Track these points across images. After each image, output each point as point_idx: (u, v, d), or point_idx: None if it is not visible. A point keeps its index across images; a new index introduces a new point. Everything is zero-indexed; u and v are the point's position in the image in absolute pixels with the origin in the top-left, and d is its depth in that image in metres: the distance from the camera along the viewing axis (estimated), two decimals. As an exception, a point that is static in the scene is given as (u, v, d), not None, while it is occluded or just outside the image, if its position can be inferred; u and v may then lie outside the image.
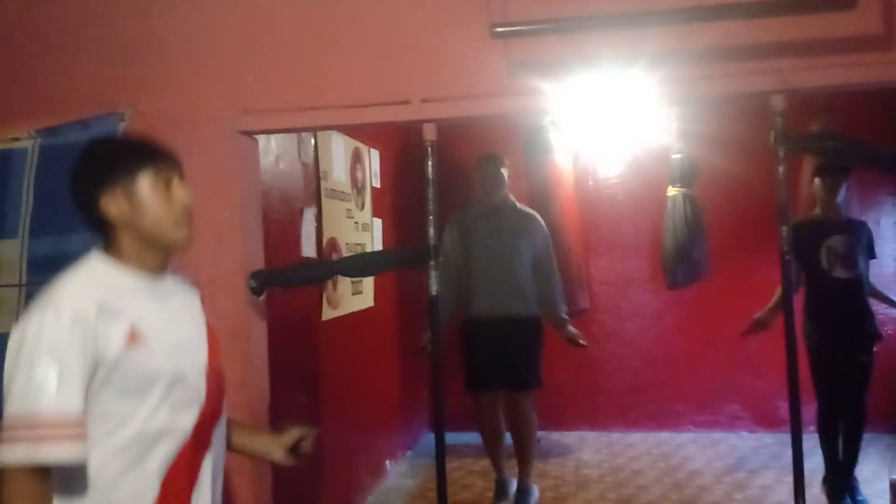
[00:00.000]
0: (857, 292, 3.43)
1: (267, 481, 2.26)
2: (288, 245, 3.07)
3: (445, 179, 4.71)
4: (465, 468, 4.36)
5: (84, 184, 1.36)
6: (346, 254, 3.65)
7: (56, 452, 1.19)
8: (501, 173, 3.68)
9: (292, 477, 2.93)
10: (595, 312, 4.91)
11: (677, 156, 4.45)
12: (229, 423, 1.59)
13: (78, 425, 1.21)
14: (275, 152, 2.99)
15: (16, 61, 2.27)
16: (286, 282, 2.20)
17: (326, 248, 3.44)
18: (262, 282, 2.11)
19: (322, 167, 3.45)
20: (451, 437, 4.79)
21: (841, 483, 3.45)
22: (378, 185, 4.34)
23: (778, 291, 3.50)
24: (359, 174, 4.00)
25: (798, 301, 3.53)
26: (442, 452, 2.16)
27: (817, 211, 3.53)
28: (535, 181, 4.39)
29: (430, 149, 2.15)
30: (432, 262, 2.14)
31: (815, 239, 3.43)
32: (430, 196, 2.17)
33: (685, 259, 4.48)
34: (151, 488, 1.29)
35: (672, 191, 4.50)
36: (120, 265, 1.34)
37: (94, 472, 1.25)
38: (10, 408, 1.21)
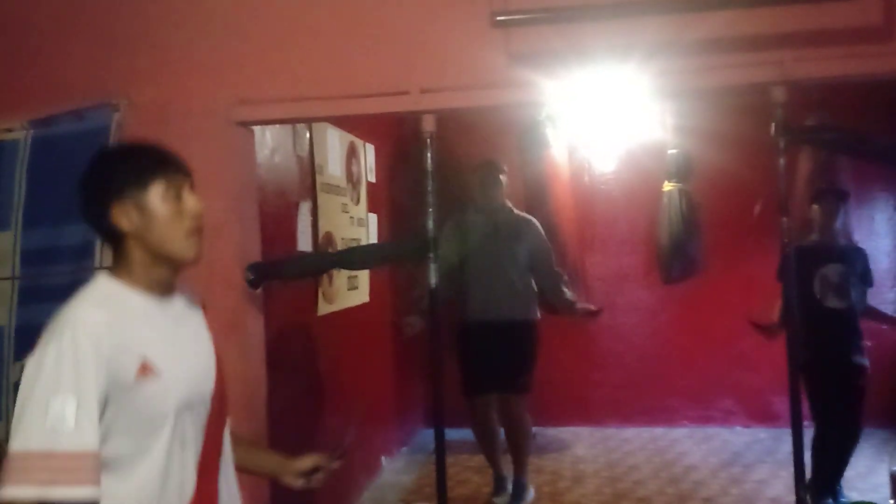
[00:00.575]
0: (848, 323, 3.38)
1: (265, 480, 2.23)
2: (284, 239, 3.04)
3: (441, 174, 4.71)
4: (461, 464, 4.35)
5: (95, 195, 1.30)
6: (341, 248, 3.62)
7: (71, 493, 1.13)
8: (499, 179, 3.69)
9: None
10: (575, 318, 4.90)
11: (673, 151, 4.46)
12: (234, 438, 1.54)
13: (94, 464, 1.16)
14: (270, 145, 2.96)
15: (8, 52, 2.24)
16: (283, 274, 2.18)
17: (322, 242, 3.42)
18: (260, 274, 2.08)
19: (317, 161, 3.43)
20: (448, 433, 4.80)
21: (825, 489, 3.45)
22: (373, 180, 4.32)
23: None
24: (354, 169, 3.97)
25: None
26: (442, 447, 2.15)
27: (814, 236, 3.46)
28: (531, 177, 4.38)
29: (429, 140, 2.13)
30: (431, 255, 2.13)
31: (809, 266, 3.35)
32: (430, 188, 2.15)
33: (681, 254, 4.49)
34: None
35: (668, 186, 4.51)
36: (128, 286, 1.29)
37: None
38: (22, 442, 1.14)
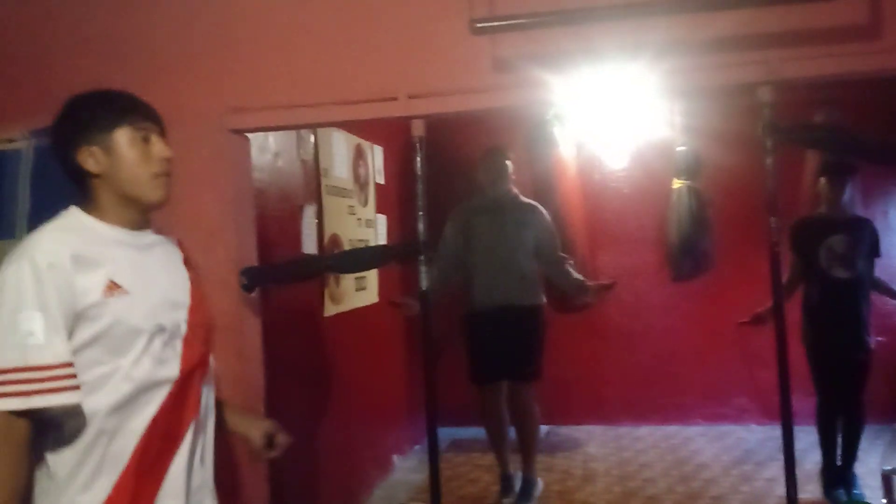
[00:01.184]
0: (855, 293, 3.39)
1: (262, 474, 2.29)
2: (287, 242, 3.10)
3: (451, 173, 4.74)
4: (471, 462, 4.38)
5: (63, 137, 1.36)
6: (348, 249, 3.68)
7: (52, 399, 1.20)
8: (505, 166, 3.68)
9: (294, 472, 2.98)
10: (601, 306, 4.87)
11: (682, 148, 4.43)
12: (223, 405, 1.59)
13: (70, 372, 1.22)
14: (273, 150, 3.02)
15: (8, 63, 2.31)
16: (277, 278, 2.23)
17: (328, 244, 3.47)
18: (253, 278, 2.14)
19: (323, 164, 3.48)
20: (458, 432, 4.88)
21: (837, 477, 3.44)
22: (382, 182, 4.36)
23: (786, 277, 3.51)
24: (361, 171, 4.02)
25: (798, 300, 3.51)
26: (435, 448, 2.18)
27: (822, 209, 3.50)
28: (538, 174, 4.39)
29: (418, 145, 2.16)
30: (422, 258, 2.16)
31: (815, 238, 3.41)
32: (420, 192, 2.18)
33: (691, 252, 4.47)
34: (131, 445, 1.29)
35: (677, 183, 4.49)
36: (98, 219, 1.34)
37: (81, 425, 1.25)
38: None
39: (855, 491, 3.43)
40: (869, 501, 2.68)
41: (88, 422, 1.26)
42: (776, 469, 4.03)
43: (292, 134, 3.18)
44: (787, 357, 2.04)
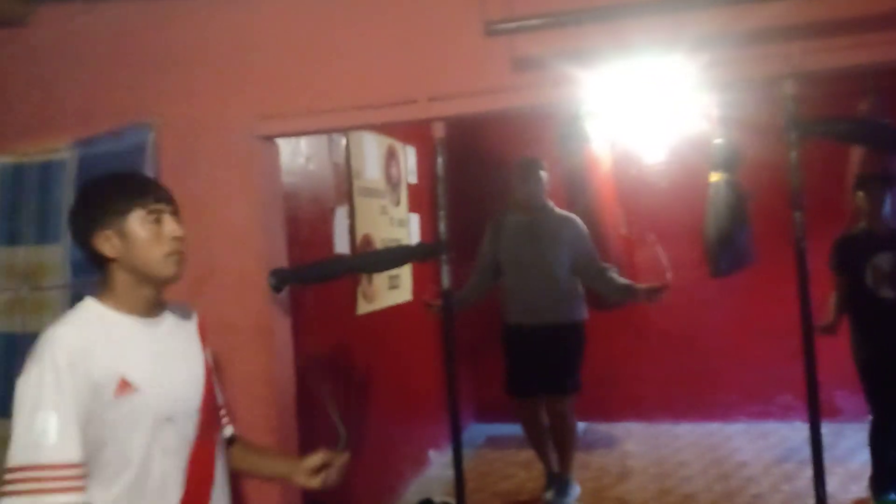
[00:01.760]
0: None
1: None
2: (320, 243, 3.17)
3: (483, 171, 4.75)
4: (506, 459, 4.41)
5: (80, 223, 1.42)
6: (380, 248, 3.74)
7: (58, 500, 1.24)
8: (540, 177, 3.68)
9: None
10: (639, 303, 4.84)
11: (719, 141, 4.34)
12: (243, 445, 1.65)
13: (78, 473, 1.26)
14: (305, 154, 3.10)
15: (53, 76, 2.43)
16: (304, 279, 2.29)
17: (360, 244, 3.54)
18: (282, 279, 2.20)
19: (354, 166, 3.55)
20: (493, 429, 4.90)
21: (888, 482, 3.34)
22: (415, 181, 4.41)
23: (833, 296, 3.42)
24: (393, 171, 4.08)
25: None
26: (458, 448, 2.21)
27: (862, 224, 3.38)
28: (571, 171, 4.37)
29: (438, 146, 2.19)
30: (444, 257, 2.19)
31: (860, 255, 3.30)
32: (441, 192, 2.22)
33: (729, 247, 4.36)
34: None
35: (714, 177, 4.39)
36: (114, 308, 1.39)
37: None
38: (13, 457, 1.26)
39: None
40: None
41: None
42: (819, 468, 3.94)
43: (324, 137, 3.26)
44: (814, 356, 2.01)
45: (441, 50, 2.13)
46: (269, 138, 2.35)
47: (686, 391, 4.92)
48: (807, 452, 4.15)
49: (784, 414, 4.79)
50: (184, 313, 1.54)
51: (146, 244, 1.38)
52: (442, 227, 2.20)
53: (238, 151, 2.30)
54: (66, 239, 2.34)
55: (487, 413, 5.12)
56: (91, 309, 1.40)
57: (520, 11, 1.99)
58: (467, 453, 4.51)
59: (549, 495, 3.73)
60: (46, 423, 1.25)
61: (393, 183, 4.05)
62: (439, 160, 2.21)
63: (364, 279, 3.56)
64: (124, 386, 1.32)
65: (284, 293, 2.32)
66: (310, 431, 2.49)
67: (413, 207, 4.33)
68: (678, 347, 4.93)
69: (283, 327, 2.36)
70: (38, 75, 2.44)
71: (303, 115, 2.26)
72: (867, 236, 3.33)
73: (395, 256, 2.39)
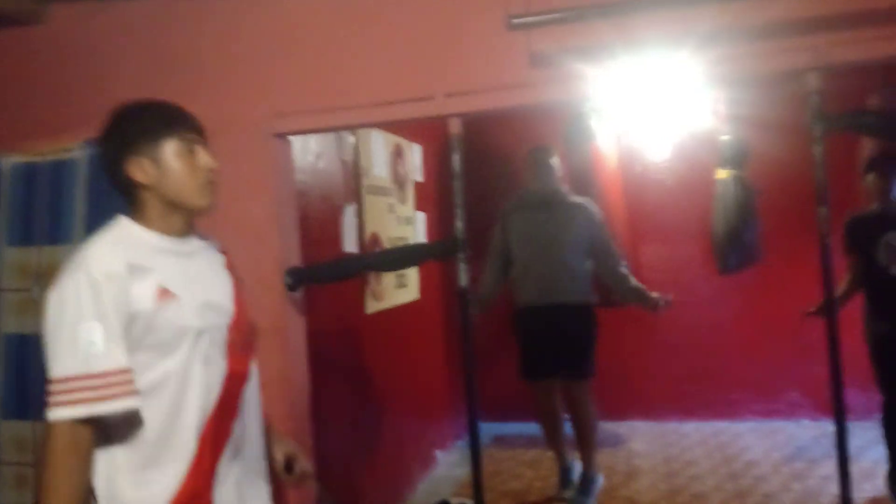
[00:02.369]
0: None
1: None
2: (329, 241, 3.14)
3: (488, 169, 4.72)
4: (515, 458, 4.38)
5: (111, 149, 1.40)
6: (388, 247, 3.71)
7: (114, 405, 1.26)
8: (551, 163, 3.67)
9: (338, 467, 3.02)
10: (645, 309, 4.83)
11: (726, 137, 4.32)
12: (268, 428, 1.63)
13: (128, 378, 1.28)
14: (314, 151, 3.06)
15: (67, 75, 2.40)
16: (319, 278, 2.26)
17: (368, 242, 3.51)
18: (297, 278, 2.18)
19: (362, 164, 3.52)
20: (503, 427, 4.88)
21: None
22: (421, 179, 4.38)
23: (846, 279, 3.44)
24: (400, 169, 4.05)
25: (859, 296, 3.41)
26: (476, 445, 2.19)
27: (874, 205, 3.39)
28: (576, 168, 4.35)
29: (455, 143, 2.17)
30: (461, 255, 2.17)
31: (872, 234, 3.32)
32: (457, 189, 2.19)
33: (737, 244, 4.35)
34: (190, 444, 1.34)
35: (722, 173, 4.38)
36: (145, 227, 1.39)
37: (139, 427, 1.32)
38: (60, 369, 1.26)
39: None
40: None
41: (146, 423, 1.32)
42: (830, 466, 3.92)
43: (332, 135, 3.22)
44: (838, 350, 1.99)
45: (460, 45, 2.11)
46: (285, 136, 2.32)
47: (693, 389, 4.90)
48: (816, 451, 4.18)
49: (791, 412, 4.78)
50: (211, 243, 1.54)
51: (181, 174, 1.38)
52: (459, 224, 2.17)
53: (254, 149, 2.27)
54: (80, 239, 2.31)
55: (495, 412, 5.10)
56: (122, 227, 1.39)
57: (537, 7, 1.97)
58: (475, 453, 4.49)
59: (569, 494, 3.68)
60: (91, 334, 1.25)
61: (400, 181, 4.02)
62: (455, 157, 2.19)
63: (373, 278, 3.53)
64: (163, 293, 1.32)
65: (299, 293, 2.29)
66: (324, 432, 2.47)
67: (419, 206, 4.30)
68: (685, 345, 4.91)
69: (297, 327, 2.34)
70: (51, 74, 2.41)
71: (319, 113, 2.23)
72: (879, 216, 3.35)
73: (411, 255, 2.37)
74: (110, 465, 1.32)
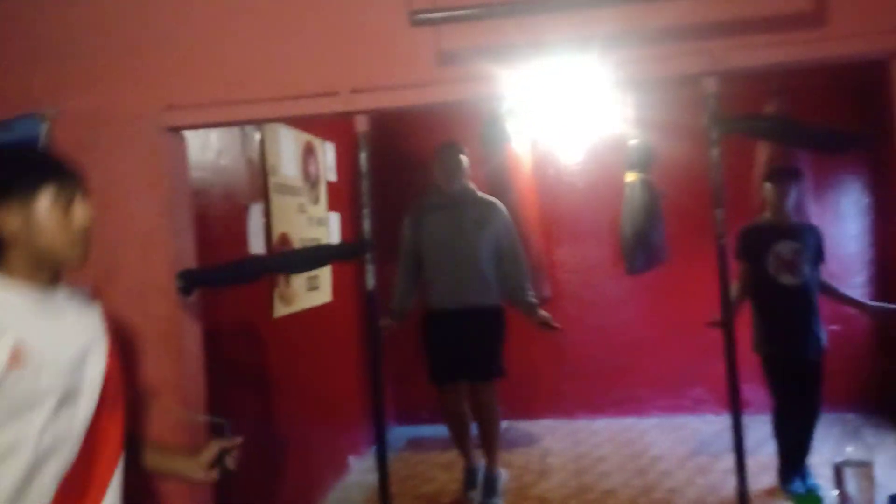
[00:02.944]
0: (803, 299, 3.41)
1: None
2: (232, 243, 3.01)
3: (404, 169, 4.67)
4: (429, 461, 4.34)
5: None
6: (298, 248, 3.59)
7: None
8: (460, 161, 3.62)
9: (244, 476, 2.88)
10: (558, 300, 4.89)
11: (634, 141, 4.44)
12: (143, 443, 1.53)
13: None
14: (215, 148, 2.92)
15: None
16: (214, 281, 2.14)
17: (277, 243, 3.38)
18: (191, 281, 2.05)
19: (270, 162, 3.39)
20: (416, 430, 4.83)
21: (793, 470, 3.49)
22: (335, 179, 4.28)
23: (735, 287, 3.51)
24: (311, 168, 3.93)
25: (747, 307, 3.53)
26: (383, 452, 2.13)
27: (767, 215, 3.52)
28: (492, 170, 4.36)
29: (363, 141, 2.10)
30: (368, 256, 2.10)
31: (762, 244, 3.43)
32: (365, 189, 2.12)
33: (644, 245, 4.47)
34: (47, 496, 1.24)
35: (630, 176, 4.49)
36: (6, 281, 1.28)
37: None
38: None
39: (810, 482, 3.49)
40: (823, 493, 2.71)
41: None
42: (731, 460, 4.03)
43: (237, 131, 3.09)
44: (734, 349, 2.05)
45: (365, 40, 2.04)
46: (177, 130, 2.18)
47: (602, 386, 5.01)
48: (718, 445, 4.34)
49: (695, 407, 4.95)
50: (82, 295, 1.42)
51: (53, 228, 1.28)
52: (366, 224, 2.11)
53: (141, 144, 2.13)
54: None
55: (408, 415, 5.05)
56: None
57: (443, 3, 1.92)
58: (389, 457, 4.41)
59: (474, 495, 3.68)
60: None
61: (311, 180, 3.91)
62: (362, 155, 2.12)
63: (281, 280, 3.41)
64: (17, 357, 1.21)
65: (194, 296, 2.16)
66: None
67: (333, 206, 4.19)
68: (595, 344, 5.01)
69: (192, 333, 2.20)
70: None
71: (214, 106, 2.11)
72: (771, 226, 3.48)
73: (316, 256, 2.28)
74: None
